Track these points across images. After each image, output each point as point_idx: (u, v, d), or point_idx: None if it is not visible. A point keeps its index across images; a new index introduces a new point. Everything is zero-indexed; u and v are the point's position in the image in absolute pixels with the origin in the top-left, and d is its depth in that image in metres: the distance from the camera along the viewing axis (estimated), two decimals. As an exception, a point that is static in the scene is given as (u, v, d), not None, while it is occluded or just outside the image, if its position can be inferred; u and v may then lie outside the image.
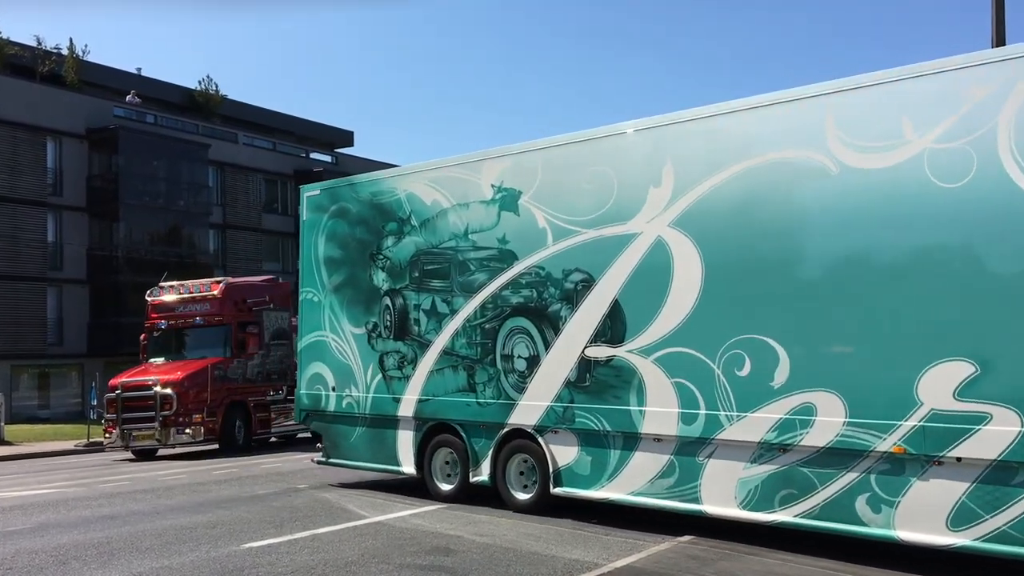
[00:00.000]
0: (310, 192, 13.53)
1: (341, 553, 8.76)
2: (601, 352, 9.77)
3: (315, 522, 10.49)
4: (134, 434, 20.11)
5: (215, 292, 21.33)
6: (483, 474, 11.19)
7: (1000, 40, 13.54)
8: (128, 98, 41.89)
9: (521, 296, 10.59)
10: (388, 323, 12.06)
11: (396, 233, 12.03)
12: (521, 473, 10.87)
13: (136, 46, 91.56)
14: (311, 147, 52.14)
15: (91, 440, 23.59)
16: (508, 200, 10.79)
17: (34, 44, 41.09)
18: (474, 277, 11.08)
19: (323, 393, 12.91)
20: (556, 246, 10.25)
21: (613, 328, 9.68)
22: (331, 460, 13.15)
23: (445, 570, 8.04)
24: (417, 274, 11.74)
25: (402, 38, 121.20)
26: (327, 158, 51.88)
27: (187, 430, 20.07)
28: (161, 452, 20.92)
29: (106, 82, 43.65)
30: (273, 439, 22.75)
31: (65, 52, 41.65)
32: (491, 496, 11.14)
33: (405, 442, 12.03)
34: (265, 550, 9.00)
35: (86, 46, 43.19)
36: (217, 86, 48.87)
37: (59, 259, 37.51)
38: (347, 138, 57.35)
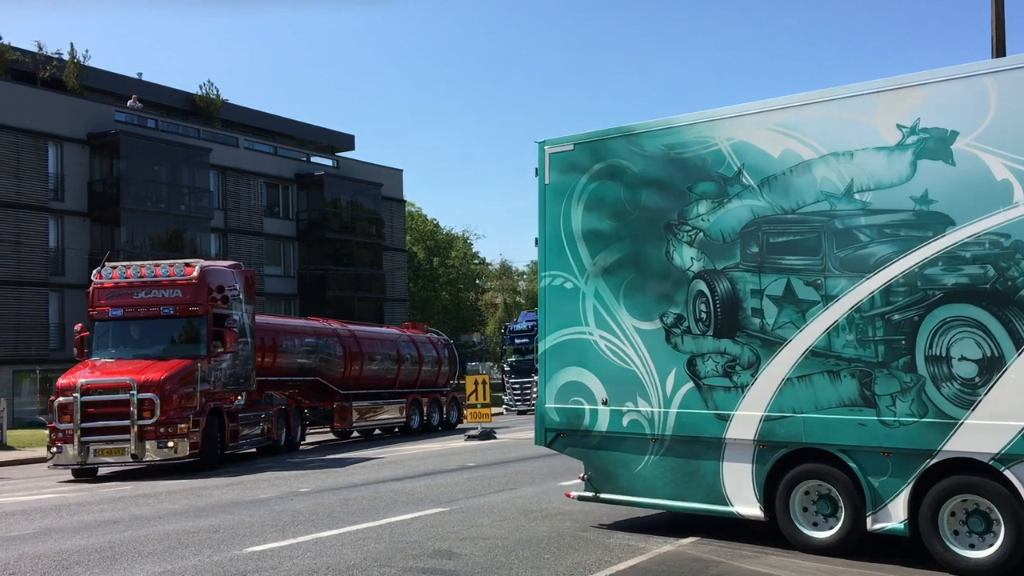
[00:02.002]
0: (557, 147, 10.35)
1: (343, 556, 8.76)
2: None
3: (317, 526, 10.49)
4: (97, 448, 16.30)
5: (191, 276, 17.72)
6: (891, 519, 8.02)
7: (1000, 38, 13.54)
8: (129, 103, 41.96)
9: (964, 275, 7.70)
10: (704, 315, 9.20)
11: (715, 196, 9.15)
12: (953, 514, 7.73)
13: (137, 51, 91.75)
14: (312, 151, 52.21)
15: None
16: (932, 144, 7.92)
17: (35, 50, 41.22)
18: (868, 251, 8.20)
19: (586, 408, 9.93)
20: None
21: None
22: (602, 495, 9.99)
23: (447, 573, 8.03)
24: (756, 249, 8.86)
25: (403, 41, 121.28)
26: (328, 162, 51.95)
27: (170, 443, 16.39)
28: (103, 472, 17.48)
29: (107, 87, 43.75)
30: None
31: (66, 57, 41.77)
32: (901, 552, 8.18)
33: (739, 474, 8.93)
34: (268, 554, 9.00)
35: (87, 51, 43.40)
36: (218, 90, 49.00)
37: (61, 264, 37.55)
38: (348, 142, 57.42)
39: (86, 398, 16.37)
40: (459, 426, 29.42)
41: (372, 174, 52.83)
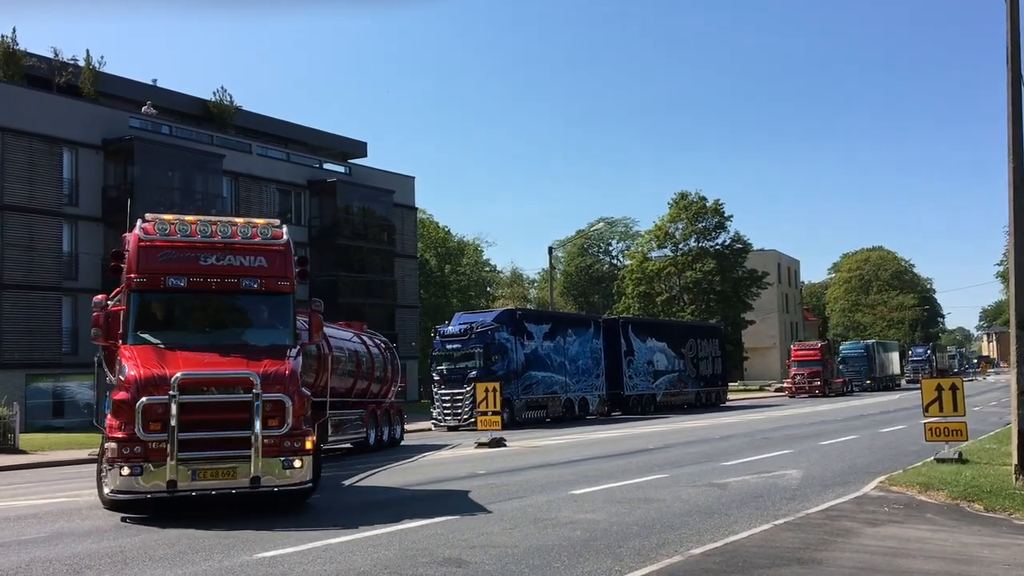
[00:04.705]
0: None
1: (353, 563, 8.76)
2: None
3: (328, 532, 10.48)
4: (199, 469, 11.53)
5: (279, 240, 13.57)
6: None
7: (1015, 51, 13.47)
8: (143, 109, 42.21)
9: None
10: None
11: None
12: None
13: (151, 57, 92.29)
14: (324, 157, 52.38)
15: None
16: None
17: (51, 56, 41.51)
18: None
19: None
20: None
21: None
22: None
23: (457, 581, 8.02)
24: None
25: (414, 50, 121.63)
26: (340, 168, 52.11)
27: (296, 461, 11.91)
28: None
29: (122, 93, 44.02)
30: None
31: (82, 63, 42.06)
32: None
33: None
34: (278, 560, 9.00)
35: (102, 57, 43.77)
36: (231, 97, 49.27)
37: (74, 269, 37.75)
38: (360, 148, 57.59)
39: (187, 398, 11.59)
40: (403, 443, 25.99)
41: (384, 181, 52.96)
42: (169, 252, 12.92)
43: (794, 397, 58.32)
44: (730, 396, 54.50)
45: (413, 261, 56.56)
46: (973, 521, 10.86)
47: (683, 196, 75.29)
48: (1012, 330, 13.09)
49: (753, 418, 35.81)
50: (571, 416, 37.66)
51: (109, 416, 11.95)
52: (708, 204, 74.30)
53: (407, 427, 28.40)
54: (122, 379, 11.96)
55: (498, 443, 23.41)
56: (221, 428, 11.73)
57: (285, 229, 13.79)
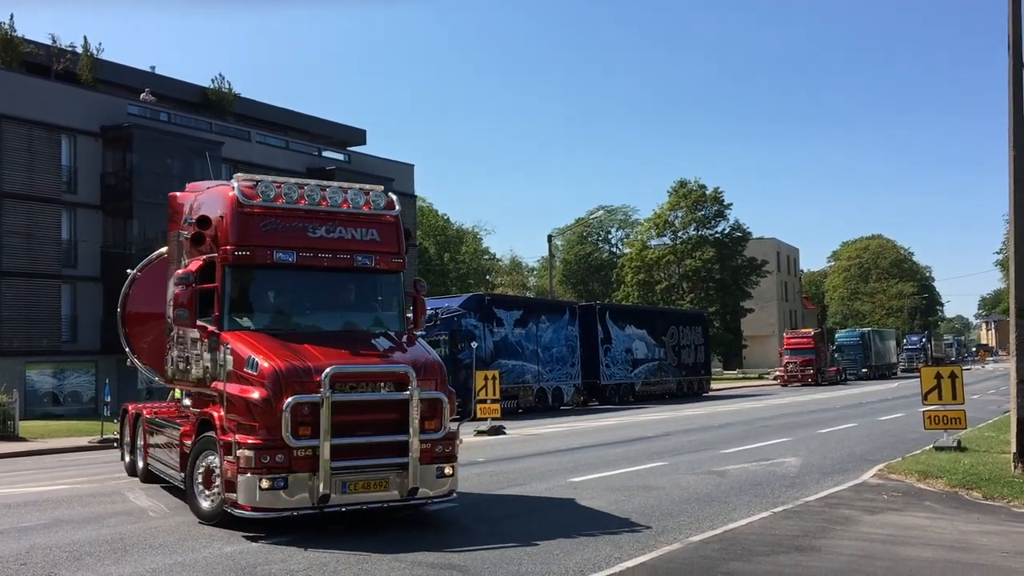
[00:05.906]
0: None
1: (353, 549, 8.78)
2: None
3: (327, 520, 10.48)
4: (349, 480, 9.68)
5: (392, 211, 11.66)
6: None
7: (1017, 36, 13.42)
8: (142, 96, 42.07)
9: None
10: None
11: None
12: None
13: (150, 45, 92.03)
14: (323, 145, 52.26)
15: (104, 437, 23.67)
16: None
17: (49, 42, 41.34)
18: None
19: None
20: None
21: None
22: None
23: (457, 568, 8.04)
24: None
25: (414, 38, 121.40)
26: (340, 156, 52.00)
27: (447, 469, 10.35)
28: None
29: (120, 80, 43.84)
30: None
31: (80, 50, 41.89)
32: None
33: None
34: (277, 546, 9.02)
35: (100, 44, 43.66)
36: (230, 84, 49.08)
37: (73, 256, 37.70)
38: (359, 136, 57.46)
39: (341, 397, 9.74)
40: None
41: (383, 169, 52.86)
42: (273, 221, 10.89)
43: (786, 386, 57.66)
44: (724, 384, 54.31)
45: (412, 249, 56.56)
46: (972, 509, 10.88)
47: (682, 184, 75.24)
48: (1012, 319, 13.09)
49: (750, 406, 35.86)
50: (544, 406, 35.96)
51: (222, 415, 9.98)
52: (707, 192, 74.25)
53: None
54: (252, 373, 9.82)
55: (497, 431, 23.44)
56: (372, 431, 9.93)
57: (395, 198, 11.88)
